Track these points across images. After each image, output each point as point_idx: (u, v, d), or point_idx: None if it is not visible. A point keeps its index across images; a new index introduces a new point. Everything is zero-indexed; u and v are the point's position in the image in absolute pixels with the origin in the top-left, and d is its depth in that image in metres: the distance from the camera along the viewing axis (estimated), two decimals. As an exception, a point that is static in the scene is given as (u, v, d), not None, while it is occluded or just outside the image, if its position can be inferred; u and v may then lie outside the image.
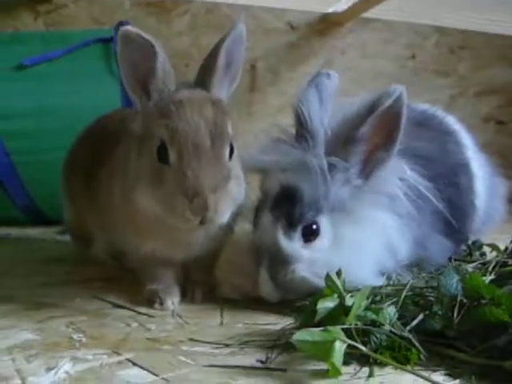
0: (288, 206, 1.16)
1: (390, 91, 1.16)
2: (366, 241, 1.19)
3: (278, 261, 1.14)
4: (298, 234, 1.15)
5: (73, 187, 1.47)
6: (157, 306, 1.18)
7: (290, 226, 1.15)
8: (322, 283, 1.06)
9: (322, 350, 0.86)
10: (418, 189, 1.23)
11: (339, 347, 0.86)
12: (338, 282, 1.00)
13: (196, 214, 1.06)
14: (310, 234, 1.16)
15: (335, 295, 1.00)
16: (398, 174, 1.23)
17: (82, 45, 1.94)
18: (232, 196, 1.11)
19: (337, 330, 0.88)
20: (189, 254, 1.23)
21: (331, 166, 1.17)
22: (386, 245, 1.22)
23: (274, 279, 1.14)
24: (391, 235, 1.22)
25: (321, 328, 0.89)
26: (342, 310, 0.97)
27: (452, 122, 1.56)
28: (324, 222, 1.17)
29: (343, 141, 1.18)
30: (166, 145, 1.09)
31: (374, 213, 1.21)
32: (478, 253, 1.42)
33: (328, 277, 1.00)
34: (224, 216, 1.09)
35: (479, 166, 1.53)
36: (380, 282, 1.17)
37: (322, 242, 1.17)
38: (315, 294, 1.05)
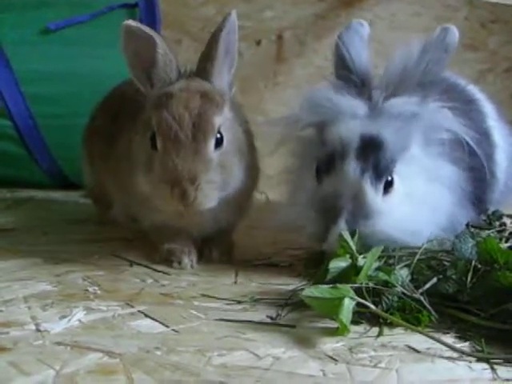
0: (374, 157, 1.12)
1: (451, 29, 1.17)
2: (436, 194, 1.18)
3: (361, 213, 1.10)
4: (381, 187, 1.12)
5: (92, 152, 1.49)
6: (175, 264, 1.20)
7: (377, 178, 1.12)
8: (401, 238, 1.09)
9: (331, 307, 0.87)
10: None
11: (348, 304, 0.86)
12: (351, 242, 1.00)
13: (177, 202, 1.10)
14: (388, 186, 1.13)
15: (348, 255, 1.01)
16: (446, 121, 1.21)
17: (106, 10, 1.94)
18: (215, 186, 1.13)
19: (346, 287, 0.89)
20: (200, 230, 1.26)
21: (410, 114, 1.15)
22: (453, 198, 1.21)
23: (354, 233, 1.08)
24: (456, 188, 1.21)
25: (330, 285, 0.89)
26: (353, 270, 0.98)
27: (474, 90, 1.53)
28: (396, 174, 1.14)
29: (415, 85, 1.16)
30: (154, 131, 1.15)
31: (441, 164, 1.20)
32: (497, 223, 1.40)
33: (341, 236, 1.00)
34: (205, 205, 1.12)
35: (501, 136, 1.50)
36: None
37: (397, 194, 1.14)
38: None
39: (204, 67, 1.20)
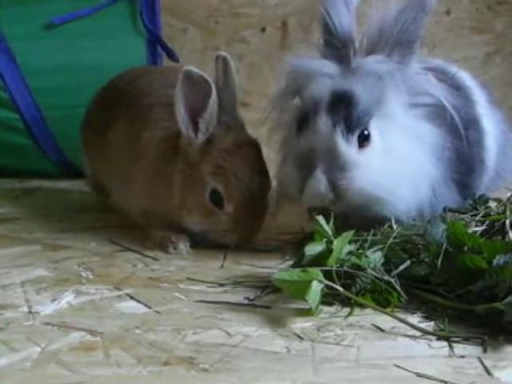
0: (345, 110, 1.16)
1: None
2: (418, 154, 1.21)
3: (336, 166, 1.15)
4: (355, 139, 1.17)
5: (89, 143, 1.56)
6: (170, 250, 1.26)
7: (349, 131, 1.16)
8: (378, 194, 1.14)
9: (300, 290, 0.92)
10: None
11: (315, 287, 0.92)
12: (326, 226, 1.05)
13: (236, 241, 1.25)
14: (363, 140, 1.17)
15: (324, 239, 1.06)
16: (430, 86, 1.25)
17: (108, 3, 2.00)
18: None
19: (315, 270, 0.94)
20: None
21: (383, 71, 1.19)
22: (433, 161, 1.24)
23: (331, 184, 1.14)
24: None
25: (301, 269, 0.95)
26: (328, 254, 1.03)
27: (464, 77, 1.55)
28: (374, 129, 1.18)
29: (393, 44, 1.20)
30: (220, 193, 1.22)
31: (425, 125, 1.24)
32: (483, 207, 1.43)
33: (316, 221, 1.05)
34: None
35: (491, 123, 1.52)
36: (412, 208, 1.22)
37: (374, 148, 1.18)
38: (367, 206, 1.15)
39: (231, 109, 1.28)
